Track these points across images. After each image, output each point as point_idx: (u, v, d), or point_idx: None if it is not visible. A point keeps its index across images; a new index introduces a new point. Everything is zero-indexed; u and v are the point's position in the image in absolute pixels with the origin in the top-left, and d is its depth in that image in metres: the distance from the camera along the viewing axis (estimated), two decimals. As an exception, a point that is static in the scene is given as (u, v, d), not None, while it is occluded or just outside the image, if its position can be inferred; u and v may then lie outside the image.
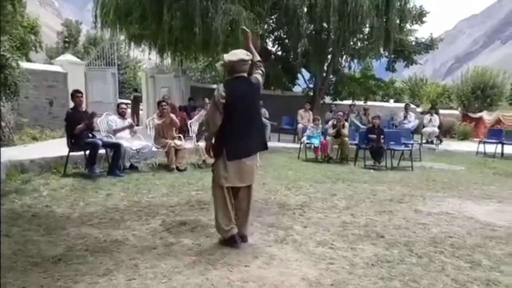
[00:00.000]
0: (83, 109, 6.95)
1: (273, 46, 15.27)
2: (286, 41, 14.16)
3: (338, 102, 15.44)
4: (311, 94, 15.23)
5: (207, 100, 10.76)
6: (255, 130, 3.84)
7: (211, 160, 4.06)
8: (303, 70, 15.58)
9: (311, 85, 15.79)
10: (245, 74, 3.73)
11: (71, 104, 7.02)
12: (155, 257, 3.44)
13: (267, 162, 8.72)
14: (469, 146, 12.91)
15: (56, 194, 5.38)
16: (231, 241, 3.69)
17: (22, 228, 4.04)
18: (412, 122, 12.70)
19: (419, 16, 15.24)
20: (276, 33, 14.63)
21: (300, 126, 12.02)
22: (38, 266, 3.16)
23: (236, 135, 3.64)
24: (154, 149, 7.79)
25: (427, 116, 13.07)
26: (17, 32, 17.14)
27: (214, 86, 17.44)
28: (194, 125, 9.21)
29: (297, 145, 10.62)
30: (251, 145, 3.78)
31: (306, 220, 4.67)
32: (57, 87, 11.65)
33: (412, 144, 10.19)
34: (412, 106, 14.90)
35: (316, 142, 9.67)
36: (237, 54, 3.67)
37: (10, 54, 7.91)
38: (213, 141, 3.78)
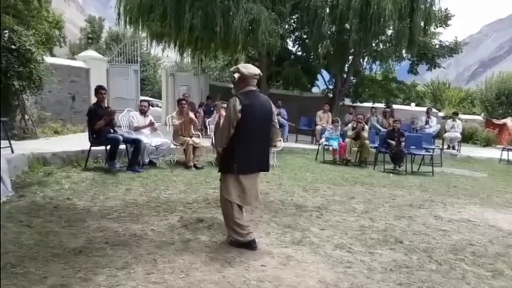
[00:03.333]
0: (105, 105, 7.04)
1: (293, 46, 15.22)
2: (307, 41, 14.07)
3: (358, 104, 15.28)
4: (330, 95, 15.12)
5: (218, 103, 10.59)
6: (266, 146, 3.82)
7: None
8: (323, 71, 15.48)
9: (330, 86, 15.68)
10: (255, 88, 3.74)
11: (93, 100, 7.11)
12: (173, 252, 3.47)
13: (284, 163, 8.69)
14: (492, 153, 12.60)
15: (77, 187, 5.48)
16: (248, 246, 3.65)
17: (44, 219, 4.13)
18: (433, 126, 12.47)
19: (444, 19, 14.93)
20: (296, 33, 14.56)
21: (318, 127, 11.94)
22: (59, 257, 3.22)
23: (248, 149, 3.60)
24: (172, 146, 7.86)
25: (450, 122, 12.81)
26: (42, 27, 17.48)
27: (232, 85, 17.49)
28: (212, 123, 9.25)
29: (315, 147, 10.55)
30: (261, 161, 3.76)
31: (323, 223, 4.63)
32: (80, 83, 11.86)
33: (433, 149, 9.99)
34: (434, 110, 14.60)
35: (334, 144, 9.58)
36: (252, 68, 3.70)
37: (36, 49, 8.08)
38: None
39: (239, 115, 3.50)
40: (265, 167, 3.84)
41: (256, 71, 3.69)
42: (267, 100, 3.81)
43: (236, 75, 3.63)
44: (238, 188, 3.63)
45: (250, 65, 3.83)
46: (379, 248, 3.90)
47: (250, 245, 3.64)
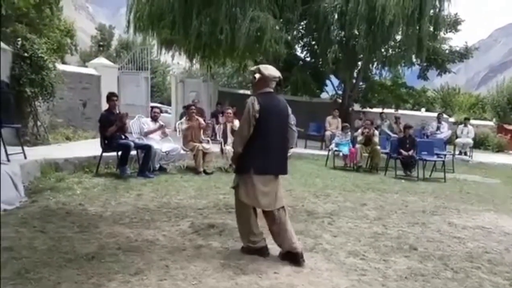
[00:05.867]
0: (117, 112, 7.09)
1: (302, 52, 15.25)
2: (316, 47, 14.09)
3: (368, 109, 15.21)
4: (340, 101, 15.08)
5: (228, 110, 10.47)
6: (283, 148, 3.77)
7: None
8: (332, 76, 15.48)
9: (339, 92, 15.65)
10: (272, 90, 3.69)
11: (104, 106, 7.16)
12: (185, 258, 3.45)
13: (294, 169, 8.63)
14: (505, 158, 12.43)
15: (89, 193, 5.51)
16: (260, 253, 3.59)
17: (57, 225, 4.14)
18: (445, 132, 12.34)
19: (454, 24, 14.87)
20: (305, 39, 14.60)
21: (328, 133, 11.89)
22: (72, 262, 3.22)
23: (266, 150, 3.55)
24: (182, 151, 7.88)
25: (461, 127, 12.67)
26: (54, 35, 17.73)
27: (241, 91, 17.52)
28: (220, 130, 9.25)
29: (325, 152, 10.49)
30: (279, 163, 3.68)
31: (335, 229, 4.58)
32: (91, 89, 11.98)
33: (445, 155, 9.88)
34: (445, 116, 14.49)
35: (345, 149, 9.52)
36: (273, 70, 3.66)
37: (48, 56, 8.20)
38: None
39: (257, 114, 3.45)
40: (283, 169, 3.76)
41: (277, 73, 3.64)
42: (284, 103, 3.78)
43: (257, 76, 3.59)
44: (255, 190, 3.52)
45: (271, 67, 3.74)
46: (393, 256, 3.84)
47: (263, 252, 3.60)
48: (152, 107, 8.71)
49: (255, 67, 3.75)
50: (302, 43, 14.88)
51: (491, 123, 17.33)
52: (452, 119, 16.60)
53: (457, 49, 15.39)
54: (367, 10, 10.78)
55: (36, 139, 8.12)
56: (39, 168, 6.22)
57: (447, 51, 15.22)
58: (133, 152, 7.04)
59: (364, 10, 10.74)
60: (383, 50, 13.17)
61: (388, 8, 10.50)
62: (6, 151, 5.61)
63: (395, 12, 10.62)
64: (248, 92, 15.70)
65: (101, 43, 32.23)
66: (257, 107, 3.45)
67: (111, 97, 6.93)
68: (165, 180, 6.67)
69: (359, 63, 14.16)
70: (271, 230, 3.67)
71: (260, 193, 3.51)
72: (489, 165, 11.34)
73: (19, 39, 7.92)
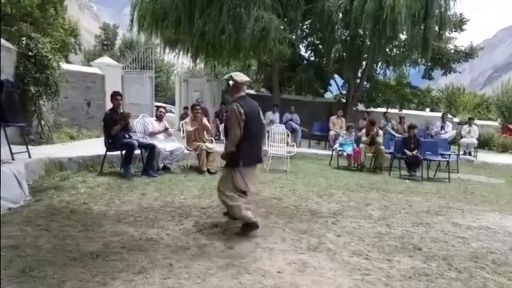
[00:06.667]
0: (121, 111, 7.10)
1: (306, 51, 15.21)
2: (320, 46, 14.05)
3: (372, 109, 15.16)
4: (344, 100, 15.03)
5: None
6: (260, 142, 4.56)
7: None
8: (336, 76, 15.43)
9: (344, 92, 15.60)
10: (245, 94, 4.27)
11: (108, 105, 7.16)
12: (188, 257, 3.46)
13: (298, 169, 8.64)
14: (509, 159, 12.36)
15: (93, 192, 5.53)
16: (255, 226, 4.12)
17: (61, 223, 4.16)
18: (449, 132, 12.28)
19: (459, 23, 14.78)
20: (309, 39, 14.56)
21: (332, 133, 11.86)
22: (77, 261, 3.24)
23: (251, 146, 4.14)
24: (186, 151, 7.89)
25: (466, 127, 12.60)
26: (58, 34, 17.77)
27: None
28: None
29: (328, 152, 10.47)
30: (259, 155, 4.40)
31: (339, 229, 4.58)
32: (95, 89, 12.01)
33: (449, 155, 9.83)
34: (449, 116, 14.42)
35: (349, 149, 9.49)
36: (243, 76, 4.28)
37: (52, 55, 8.22)
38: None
39: (244, 117, 3.98)
40: (261, 159, 4.52)
41: (246, 78, 4.28)
42: (256, 103, 4.35)
43: (231, 82, 4.18)
44: (244, 178, 4.11)
45: (240, 73, 4.36)
46: (397, 255, 3.83)
47: (256, 225, 4.10)
48: (158, 107, 8.71)
49: (227, 75, 4.35)
50: (306, 43, 14.83)
51: (495, 123, 17.23)
52: (456, 119, 16.52)
53: (462, 48, 15.28)
54: (373, 9, 10.71)
55: (40, 138, 8.16)
56: (44, 167, 6.25)
57: (452, 51, 15.10)
58: (137, 151, 7.05)
59: (372, 8, 10.66)
60: (387, 49, 13.10)
61: (397, 6, 10.42)
62: (10, 149, 5.64)
63: (402, 11, 10.53)
64: (252, 91, 15.71)
65: (105, 43, 32.25)
66: (242, 110, 4.00)
67: (115, 96, 6.94)
68: (169, 180, 6.68)
69: (364, 62, 14.09)
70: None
71: (249, 181, 4.15)
72: (493, 165, 11.29)
73: (24, 38, 7.95)
